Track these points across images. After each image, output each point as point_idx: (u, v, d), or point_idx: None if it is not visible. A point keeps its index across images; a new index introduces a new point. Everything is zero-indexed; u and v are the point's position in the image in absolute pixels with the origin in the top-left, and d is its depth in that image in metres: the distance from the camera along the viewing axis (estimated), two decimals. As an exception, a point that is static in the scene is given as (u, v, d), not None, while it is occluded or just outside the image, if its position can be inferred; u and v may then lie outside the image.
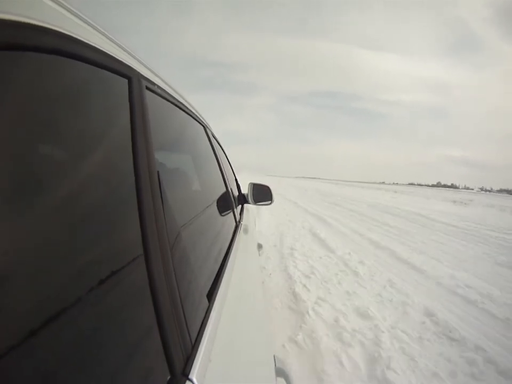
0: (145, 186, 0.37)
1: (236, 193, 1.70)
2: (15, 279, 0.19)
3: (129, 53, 0.44)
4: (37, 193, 0.22)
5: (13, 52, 0.22)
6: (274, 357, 0.71)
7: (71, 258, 0.24)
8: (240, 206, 1.67)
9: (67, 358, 0.21)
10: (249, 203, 1.74)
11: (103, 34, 0.36)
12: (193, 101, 0.96)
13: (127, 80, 0.41)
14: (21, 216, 0.20)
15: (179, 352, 0.34)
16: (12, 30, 0.21)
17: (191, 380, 0.33)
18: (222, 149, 1.72)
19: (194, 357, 0.36)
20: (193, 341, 0.39)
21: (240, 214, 1.51)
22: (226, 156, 1.82)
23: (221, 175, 1.27)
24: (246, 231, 1.33)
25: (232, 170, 1.96)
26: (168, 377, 0.32)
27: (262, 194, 1.75)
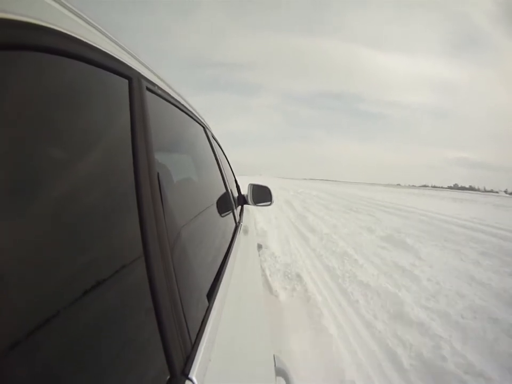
0: (145, 187, 0.37)
1: (236, 194, 1.70)
2: (15, 279, 0.19)
3: (129, 53, 0.44)
4: (36, 194, 0.22)
5: (13, 51, 0.22)
6: (274, 356, 0.71)
7: (71, 259, 0.24)
8: (239, 206, 1.67)
9: (67, 358, 0.21)
10: (248, 204, 1.73)
11: (104, 34, 0.36)
12: (197, 102, 0.96)
13: (127, 81, 0.41)
14: (20, 216, 0.20)
15: (179, 351, 0.34)
16: (11, 29, 0.21)
17: (191, 380, 0.33)
18: (222, 150, 1.72)
19: (194, 356, 0.36)
20: (193, 341, 0.38)
21: (240, 214, 1.51)
22: (226, 157, 1.82)
23: (220, 176, 1.27)
24: (245, 231, 1.33)
25: (232, 171, 1.96)
26: (168, 376, 0.32)
27: (261, 195, 1.74)
